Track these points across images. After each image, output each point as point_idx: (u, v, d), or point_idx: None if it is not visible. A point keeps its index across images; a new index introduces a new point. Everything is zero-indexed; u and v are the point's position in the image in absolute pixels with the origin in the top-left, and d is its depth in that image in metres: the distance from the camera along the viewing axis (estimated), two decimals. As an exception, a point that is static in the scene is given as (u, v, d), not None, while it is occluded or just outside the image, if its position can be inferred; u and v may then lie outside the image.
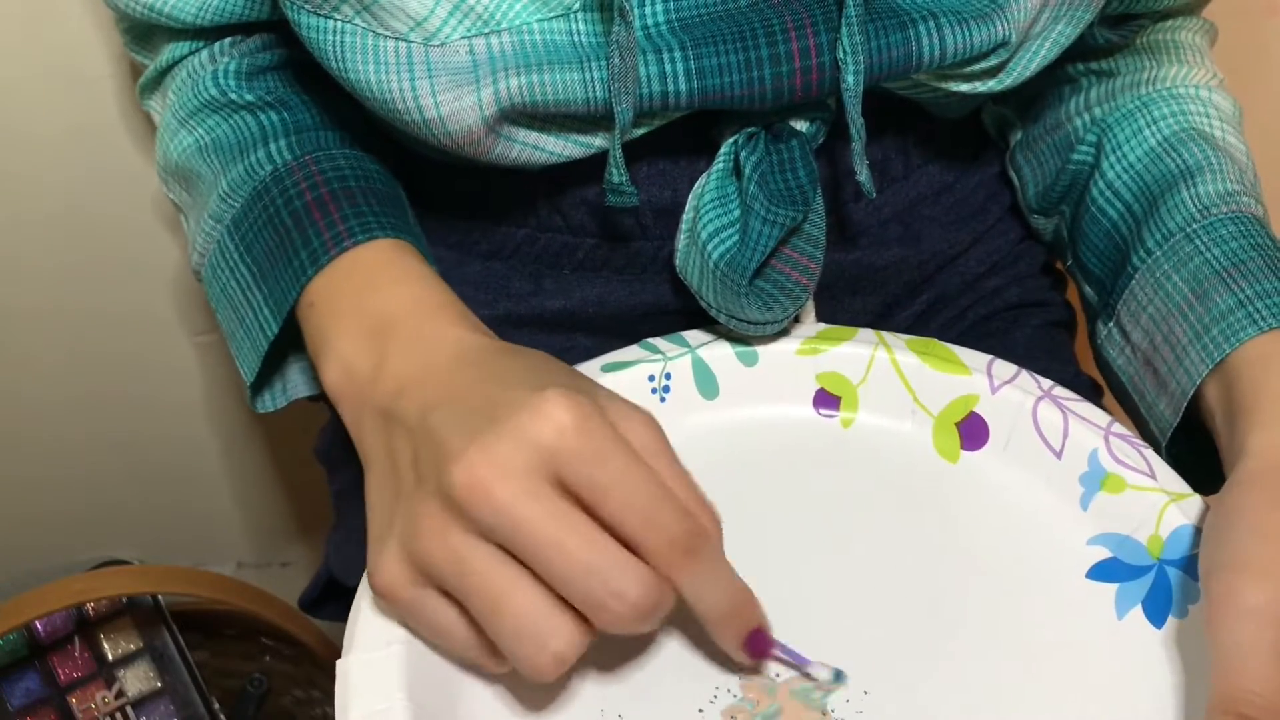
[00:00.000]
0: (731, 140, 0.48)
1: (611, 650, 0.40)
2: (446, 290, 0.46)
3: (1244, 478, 0.42)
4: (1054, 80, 0.60)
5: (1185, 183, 0.52)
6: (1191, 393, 0.48)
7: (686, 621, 0.40)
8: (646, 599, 0.35)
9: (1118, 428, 0.47)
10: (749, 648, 0.39)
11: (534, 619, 0.35)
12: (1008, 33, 0.46)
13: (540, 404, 0.35)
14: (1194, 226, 0.50)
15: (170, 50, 0.55)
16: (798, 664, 0.40)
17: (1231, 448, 0.44)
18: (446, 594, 0.37)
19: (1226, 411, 0.46)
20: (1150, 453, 0.47)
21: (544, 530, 0.35)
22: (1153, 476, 0.46)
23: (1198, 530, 0.44)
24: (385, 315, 0.43)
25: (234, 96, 0.52)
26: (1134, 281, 0.52)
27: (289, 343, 0.50)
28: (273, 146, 0.50)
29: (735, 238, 0.46)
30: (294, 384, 0.52)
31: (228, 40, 0.54)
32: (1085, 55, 0.59)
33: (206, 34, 0.54)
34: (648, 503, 0.35)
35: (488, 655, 0.38)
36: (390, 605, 0.38)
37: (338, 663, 0.38)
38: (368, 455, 0.41)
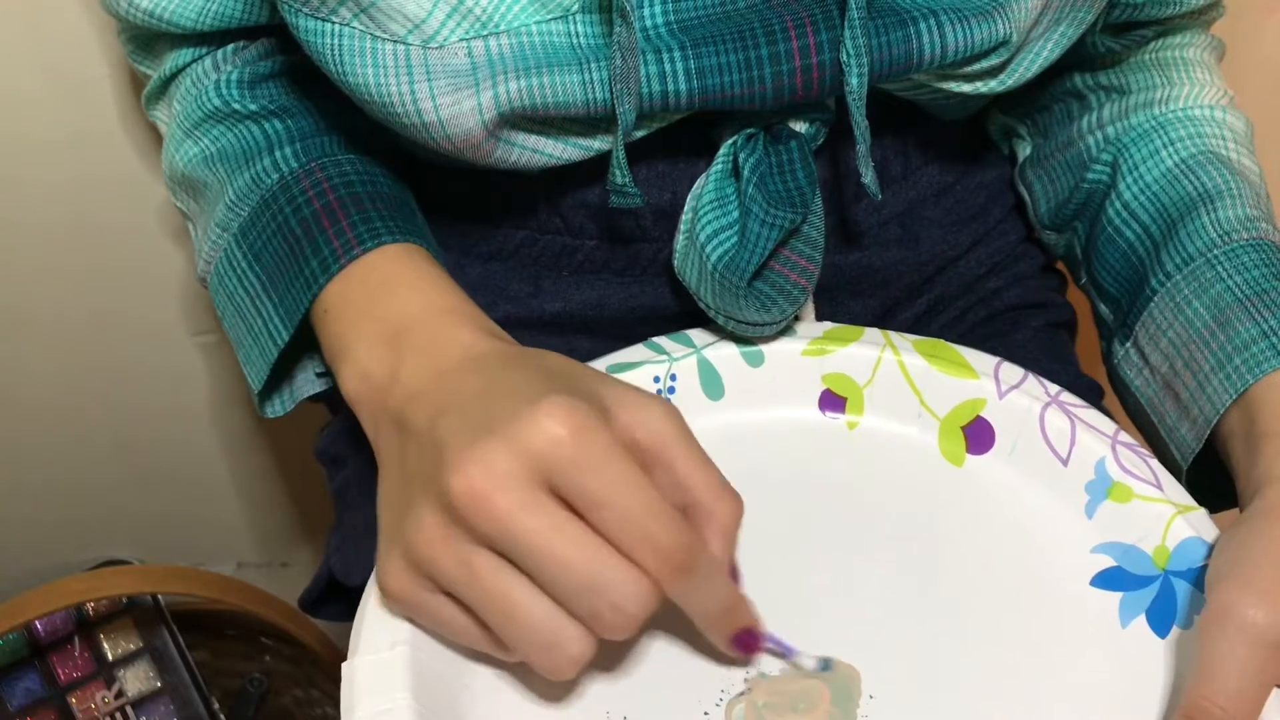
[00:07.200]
0: (730, 141, 0.48)
1: (618, 650, 0.41)
2: (458, 293, 0.46)
3: (1269, 501, 0.42)
4: (1062, 95, 0.60)
5: (1205, 207, 0.52)
6: (1215, 420, 0.48)
7: (692, 624, 0.41)
8: (645, 610, 0.36)
9: (1124, 437, 0.47)
10: (738, 644, 0.40)
11: (548, 629, 0.36)
12: (1009, 31, 0.46)
13: (534, 414, 0.36)
14: (1215, 252, 0.50)
15: (173, 58, 0.54)
16: (785, 654, 0.41)
17: (1253, 472, 0.45)
18: (453, 595, 0.38)
19: (1248, 438, 0.46)
20: (1156, 464, 0.47)
21: (543, 543, 0.35)
22: (1159, 488, 0.45)
23: (1205, 543, 0.44)
24: (399, 321, 0.44)
25: (237, 106, 0.52)
26: (1153, 304, 0.52)
27: (294, 346, 0.50)
28: (278, 154, 0.50)
29: (734, 239, 0.46)
30: (300, 386, 0.52)
31: (230, 48, 0.54)
32: (1091, 66, 0.58)
33: (209, 39, 0.54)
34: (641, 516, 0.36)
35: (500, 649, 0.38)
36: (401, 608, 0.39)
37: (343, 664, 0.38)
38: (382, 460, 0.42)
